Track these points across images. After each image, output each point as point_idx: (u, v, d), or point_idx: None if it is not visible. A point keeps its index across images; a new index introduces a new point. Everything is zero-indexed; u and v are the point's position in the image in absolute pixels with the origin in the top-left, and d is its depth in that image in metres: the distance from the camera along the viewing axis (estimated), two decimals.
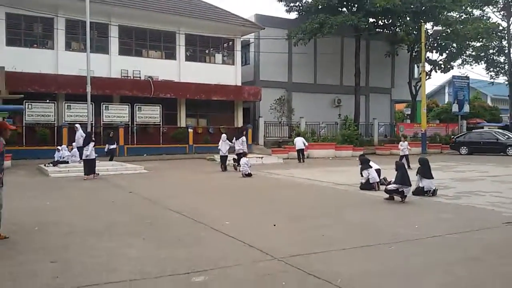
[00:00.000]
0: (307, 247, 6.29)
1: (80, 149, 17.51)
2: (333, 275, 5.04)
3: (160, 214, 8.83)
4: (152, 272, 5.22)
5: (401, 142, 18.88)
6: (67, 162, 17.66)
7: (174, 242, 6.63)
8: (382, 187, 11.26)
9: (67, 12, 23.39)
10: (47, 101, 22.91)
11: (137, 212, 9.10)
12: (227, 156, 18.03)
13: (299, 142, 22.90)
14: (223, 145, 18.06)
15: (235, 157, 17.93)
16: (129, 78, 25.05)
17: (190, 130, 25.69)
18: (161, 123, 25.35)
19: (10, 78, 20.78)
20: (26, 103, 21.83)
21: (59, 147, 19.15)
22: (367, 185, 11.94)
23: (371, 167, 12.18)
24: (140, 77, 25.29)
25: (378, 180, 12.00)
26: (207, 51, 28.92)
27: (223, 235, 7.07)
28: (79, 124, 19.32)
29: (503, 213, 8.74)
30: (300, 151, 22.61)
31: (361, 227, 7.74)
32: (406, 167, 11.65)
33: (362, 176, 12.16)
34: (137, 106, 24.53)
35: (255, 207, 9.80)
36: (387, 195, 10.36)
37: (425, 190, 10.76)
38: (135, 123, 24.53)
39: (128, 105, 24.39)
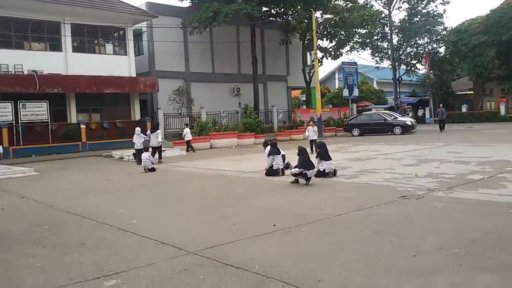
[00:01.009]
0: (220, 237, 6.20)
1: None
2: (250, 263, 5.02)
3: (59, 218, 8.17)
4: (58, 282, 4.79)
5: (309, 127, 18.61)
6: None
7: (78, 247, 6.15)
8: (287, 172, 11.55)
9: None
10: None
11: (33, 218, 8.35)
12: (141, 149, 17.07)
13: (189, 133, 22.84)
14: (137, 138, 17.85)
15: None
16: (10, 73, 22.81)
17: (83, 126, 24.06)
18: (49, 120, 23.41)
19: None
20: None
21: None
22: (271, 171, 12.15)
23: (279, 152, 12.38)
24: (22, 71, 23.15)
25: (282, 166, 12.25)
26: (96, 41, 27.28)
27: (131, 234, 6.73)
28: None
29: (398, 188, 9.40)
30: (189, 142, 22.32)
31: (271, 212, 7.84)
32: (313, 150, 11.98)
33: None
34: (21, 103, 22.40)
35: (162, 203, 9.49)
36: (292, 179, 10.65)
37: (326, 172, 11.24)
38: (20, 121, 22.41)
39: (11, 102, 22.21)
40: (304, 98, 42.86)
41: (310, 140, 17.97)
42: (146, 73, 29.48)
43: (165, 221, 7.67)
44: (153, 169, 15.00)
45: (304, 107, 40.39)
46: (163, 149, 18.99)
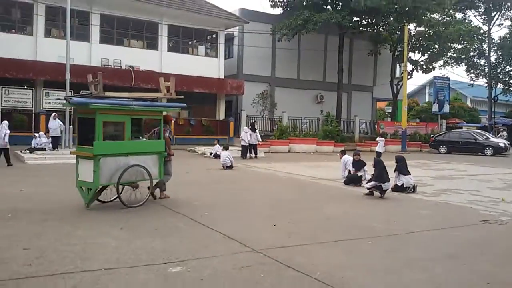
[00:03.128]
0: (286, 240, 6.25)
1: (56, 138, 17.19)
2: (312, 268, 5.00)
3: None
4: (128, 262, 5.11)
5: (378, 138, 19.20)
6: (44, 149, 17.24)
7: (151, 232, 6.51)
8: (364, 183, 11.33)
9: None
10: (25, 87, 22.36)
11: (116, 200, 8.90)
12: (247, 145, 20.07)
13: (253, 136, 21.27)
14: (245, 136, 20.04)
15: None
16: (109, 67, 24.61)
17: (172, 121, 25.30)
18: None
19: None
20: (3, 89, 21.27)
21: (36, 134, 18.71)
22: (352, 180, 11.98)
23: (364, 164, 12.20)
24: (120, 66, 24.86)
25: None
26: (190, 43, 28.61)
27: (202, 226, 6.98)
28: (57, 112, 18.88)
29: (481, 211, 8.85)
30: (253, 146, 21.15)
31: (341, 221, 7.73)
32: None
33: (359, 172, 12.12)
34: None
35: (234, 200, 9.71)
36: (367, 191, 10.41)
37: (404, 186, 10.85)
38: None
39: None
40: (389, 110, 41.55)
41: (376, 152, 18.13)
42: (233, 75, 30.34)
43: (235, 217, 7.85)
44: (231, 167, 15.39)
45: (389, 119, 39.15)
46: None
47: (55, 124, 17.03)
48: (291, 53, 32.33)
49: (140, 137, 8.76)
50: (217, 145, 19.25)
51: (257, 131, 20.94)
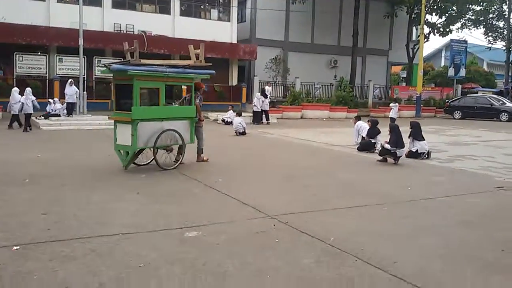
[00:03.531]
0: (300, 206, 6.30)
1: (71, 104, 17.28)
2: (326, 234, 5.05)
3: (154, 167, 8.73)
4: (145, 226, 5.21)
5: (392, 104, 19.00)
6: (59, 115, 17.41)
7: (168, 198, 6.61)
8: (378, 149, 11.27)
9: None
10: (39, 53, 22.40)
11: (132, 166, 9.01)
12: (260, 111, 20.48)
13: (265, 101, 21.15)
14: (258, 102, 20.37)
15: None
16: (122, 32, 24.42)
17: (184, 87, 25.16)
18: None
19: (0, 29, 20.25)
20: (17, 55, 21.34)
21: (50, 100, 18.85)
22: (366, 147, 11.93)
23: (379, 132, 12.02)
24: (133, 31, 24.64)
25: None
26: (202, 7, 28.11)
27: (217, 192, 7.06)
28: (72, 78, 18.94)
29: (495, 178, 8.79)
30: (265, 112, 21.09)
31: (355, 187, 7.75)
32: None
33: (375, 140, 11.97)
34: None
35: (247, 166, 9.78)
36: (379, 157, 10.37)
37: (419, 152, 10.78)
38: None
39: (120, 59, 23.70)
40: (404, 75, 40.86)
41: (390, 118, 18.68)
42: (246, 40, 29.91)
43: (249, 183, 7.91)
44: (244, 133, 15.42)
45: (404, 84, 38.55)
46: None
47: (71, 90, 17.10)
48: (305, 16, 31.67)
49: (172, 103, 9.18)
50: (231, 111, 19.22)
51: (268, 95, 21.10)
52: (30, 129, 14.86)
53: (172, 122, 8.71)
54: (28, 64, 21.84)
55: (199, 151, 9.77)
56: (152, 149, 8.52)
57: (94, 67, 23.06)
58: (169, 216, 5.63)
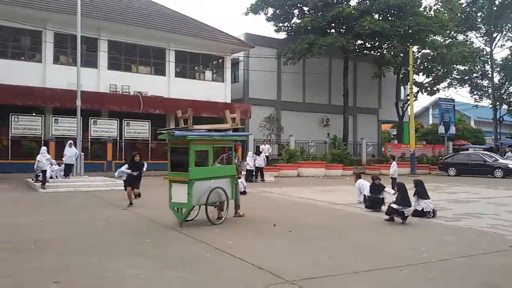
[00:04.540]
0: (317, 269, 6.11)
1: (69, 166, 17.10)
2: None
3: (159, 232, 8.52)
4: None
5: (394, 162, 18.31)
6: (54, 177, 17.07)
7: (179, 263, 6.37)
8: (383, 208, 11.18)
9: (56, 25, 23.06)
10: (33, 114, 22.44)
11: (136, 228, 8.81)
12: (253, 170, 20.73)
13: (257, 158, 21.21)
14: (250, 160, 20.66)
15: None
16: (118, 93, 24.73)
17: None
18: (149, 138, 25.00)
19: None
20: (13, 116, 21.34)
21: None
22: (375, 203, 11.81)
23: (383, 188, 12.02)
24: (129, 92, 24.98)
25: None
26: (196, 68, 28.85)
27: (228, 255, 6.84)
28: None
29: (506, 236, 8.70)
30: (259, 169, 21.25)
31: (368, 248, 7.58)
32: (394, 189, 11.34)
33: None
34: (125, 121, 24.18)
35: (255, 228, 9.55)
36: (386, 216, 10.25)
37: (424, 211, 10.70)
38: (123, 138, 24.12)
39: (117, 120, 24.01)
40: (394, 132, 41.61)
41: (392, 177, 17.30)
42: (240, 99, 30.48)
43: (259, 245, 7.71)
44: (244, 193, 15.24)
45: (396, 141, 39.12)
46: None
47: (71, 151, 16.99)
48: (296, 77, 32.55)
49: (215, 163, 10.04)
50: None
51: (262, 153, 21.35)
52: (44, 185, 15.47)
53: (218, 181, 9.53)
54: (23, 125, 21.82)
55: (237, 207, 10.44)
56: (200, 206, 9.32)
57: (90, 128, 23.09)
58: (183, 283, 5.41)
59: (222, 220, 9.61)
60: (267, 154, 24.69)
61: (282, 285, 5.42)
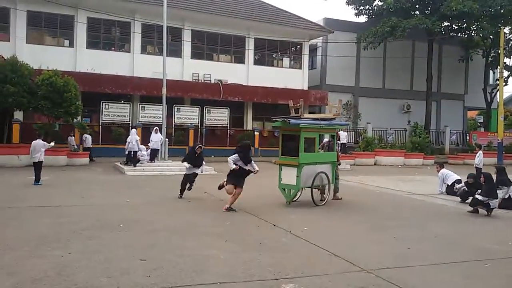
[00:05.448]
0: (394, 260, 6.06)
1: (154, 151, 17.99)
2: None
3: (236, 216, 8.83)
4: (240, 276, 5.22)
5: (480, 151, 16.68)
6: (139, 160, 17.96)
7: (256, 246, 6.61)
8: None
9: (143, 16, 24.34)
10: (122, 102, 23.91)
11: (218, 211, 9.16)
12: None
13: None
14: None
15: None
16: (200, 81, 25.62)
17: (256, 133, 25.80)
18: (228, 125, 25.71)
19: (89, 79, 21.99)
20: (103, 103, 22.89)
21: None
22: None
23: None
24: (210, 80, 25.79)
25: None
26: (275, 55, 29.05)
27: (304, 241, 6.98)
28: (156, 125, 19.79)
29: None
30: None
31: (449, 240, 7.36)
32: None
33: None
34: (206, 109, 25.02)
35: (331, 214, 9.59)
36: (470, 208, 9.83)
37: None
38: (204, 125, 25.02)
39: (198, 107, 24.93)
40: (481, 120, 39.07)
41: (477, 168, 15.30)
42: (317, 86, 30.26)
43: (335, 232, 7.77)
44: None
45: (482, 129, 36.78)
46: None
47: (156, 137, 17.90)
48: (376, 62, 31.60)
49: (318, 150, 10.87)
50: None
51: (343, 141, 21.22)
52: (134, 166, 17.00)
53: (321, 166, 10.42)
54: (113, 112, 23.31)
55: (335, 189, 11.19)
56: (307, 188, 10.10)
57: (174, 115, 24.17)
58: (260, 266, 5.61)
59: (324, 202, 10.33)
60: (344, 141, 24.49)
61: (358, 273, 5.46)
